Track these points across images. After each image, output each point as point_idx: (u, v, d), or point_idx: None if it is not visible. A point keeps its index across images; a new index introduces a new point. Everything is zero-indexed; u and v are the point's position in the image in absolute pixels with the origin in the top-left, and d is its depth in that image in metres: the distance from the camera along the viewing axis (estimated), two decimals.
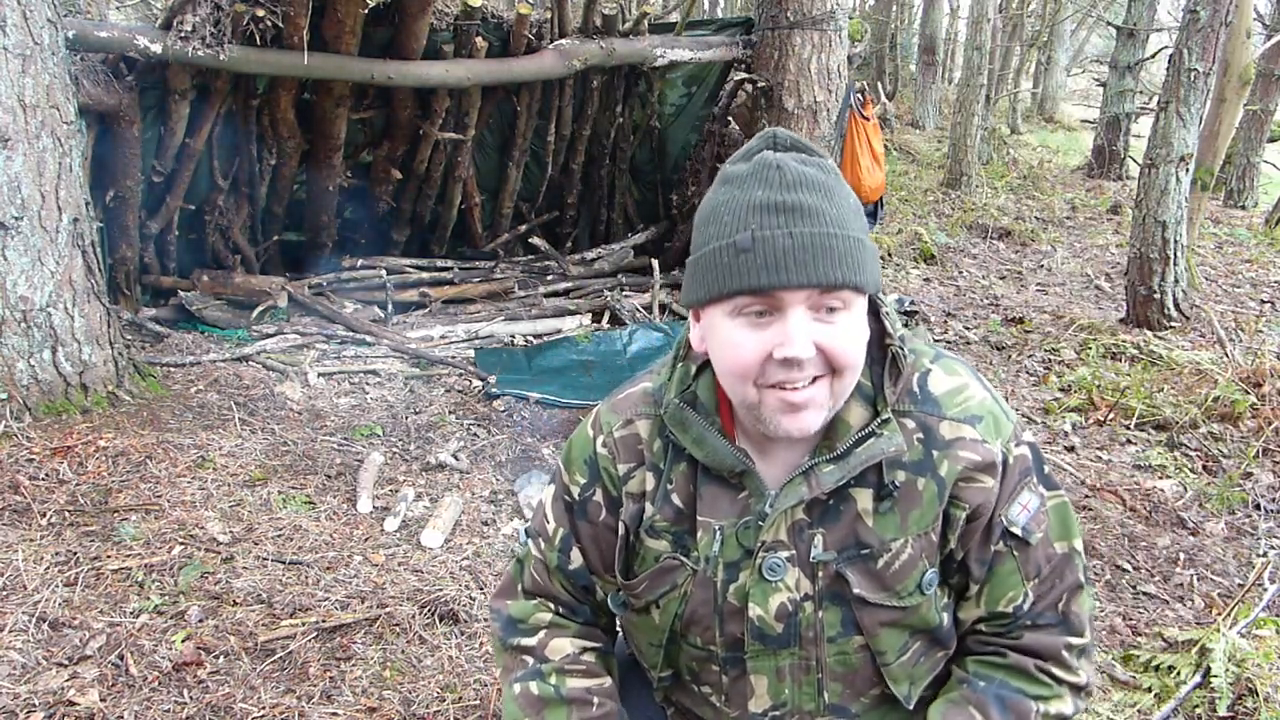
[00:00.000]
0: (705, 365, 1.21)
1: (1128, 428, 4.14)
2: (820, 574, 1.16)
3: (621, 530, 1.26)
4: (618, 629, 1.46)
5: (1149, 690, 2.34)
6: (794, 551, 1.16)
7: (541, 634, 1.33)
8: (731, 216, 1.05)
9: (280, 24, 4.41)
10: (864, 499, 1.15)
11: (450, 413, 4.18)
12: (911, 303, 6.11)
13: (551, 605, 1.36)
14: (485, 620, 2.56)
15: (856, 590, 1.15)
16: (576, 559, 1.31)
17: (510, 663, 1.35)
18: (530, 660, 1.32)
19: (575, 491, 1.29)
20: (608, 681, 1.31)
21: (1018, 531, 1.17)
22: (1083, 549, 1.24)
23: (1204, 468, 3.80)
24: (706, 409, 1.20)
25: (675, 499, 1.22)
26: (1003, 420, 1.17)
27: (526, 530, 1.41)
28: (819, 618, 1.17)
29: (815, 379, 1.07)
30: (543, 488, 3.36)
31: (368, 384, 4.49)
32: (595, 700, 1.27)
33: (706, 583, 1.20)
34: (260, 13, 4.29)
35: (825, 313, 1.05)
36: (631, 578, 1.27)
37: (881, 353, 1.17)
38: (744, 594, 1.18)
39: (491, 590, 2.72)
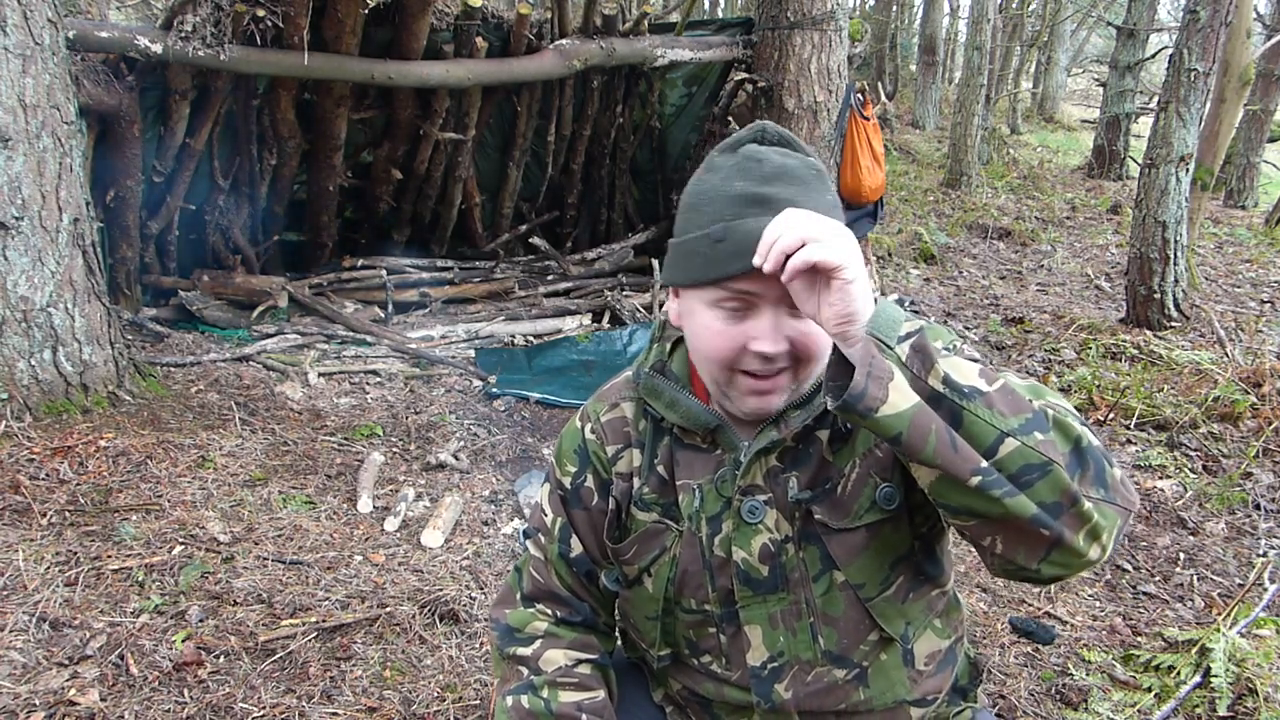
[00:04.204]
0: (678, 343, 1.30)
1: (1128, 428, 4.14)
2: (797, 514, 1.20)
3: (612, 506, 1.30)
4: (616, 630, 1.46)
5: (1149, 690, 2.34)
6: (771, 495, 1.21)
7: (537, 644, 1.34)
8: (711, 208, 1.12)
9: (280, 24, 4.41)
10: (825, 436, 1.21)
11: (450, 413, 4.18)
12: (912, 302, 6.11)
13: (549, 612, 1.36)
14: (485, 620, 2.56)
15: (819, 518, 1.19)
16: (577, 546, 1.34)
17: (506, 672, 1.36)
18: (525, 671, 1.33)
19: (567, 481, 1.34)
20: (600, 695, 1.32)
21: None
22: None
23: (1204, 468, 3.80)
24: (678, 377, 1.27)
25: (660, 469, 1.28)
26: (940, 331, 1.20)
27: (525, 532, 1.42)
28: (801, 558, 1.20)
29: (781, 370, 1.14)
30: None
31: (368, 384, 4.49)
32: (584, 717, 1.28)
33: (693, 540, 1.24)
34: (260, 13, 4.29)
35: (796, 309, 1.09)
36: (620, 544, 1.31)
37: None
38: (728, 543, 1.22)
39: (492, 592, 2.73)
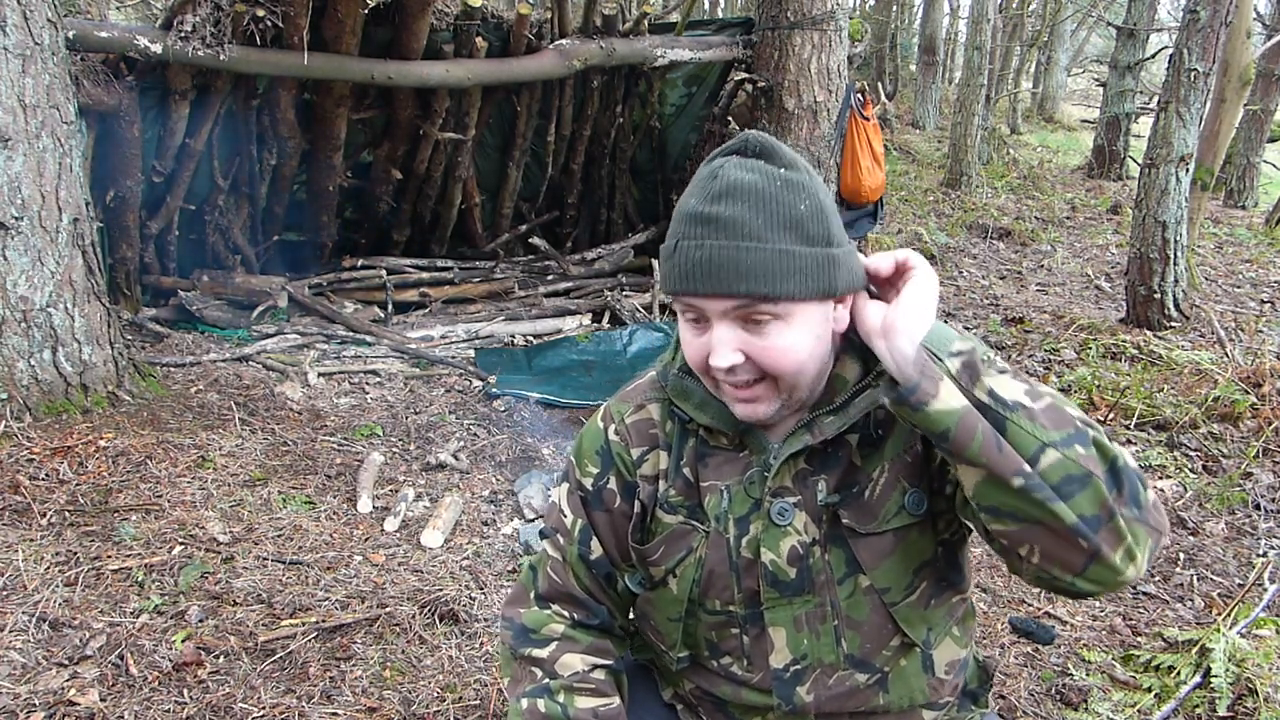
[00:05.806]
0: None
1: (1128, 428, 4.14)
2: (824, 517, 1.20)
3: (638, 509, 1.29)
4: (630, 632, 1.46)
5: (1149, 690, 2.34)
6: (800, 497, 1.21)
7: (553, 646, 1.32)
8: (674, 222, 1.14)
9: (280, 24, 4.40)
10: (854, 441, 1.21)
11: (450, 413, 4.18)
12: None
13: (565, 614, 1.35)
14: (498, 619, 2.56)
15: (846, 522, 1.19)
16: (597, 549, 1.32)
17: (519, 673, 1.34)
18: (539, 673, 1.32)
19: (589, 483, 1.32)
20: (615, 702, 1.31)
21: None
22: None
23: (1204, 468, 3.80)
24: None
25: (686, 472, 1.27)
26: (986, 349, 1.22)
27: (541, 533, 1.41)
28: (827, 561, 1.21)
29: (754, 381, 1.14)
30: (542, 488, 3.37)
31: (368, 384, 4.49)
32: None
33: (720, 541, 1.24)
34: (260, 13, 4.29)
35: (753, 323, 1.10)
36: (646, 545, 1.30)
37: None
38: (756, 544, 1.22)
39: (492, 593, 2.73)
